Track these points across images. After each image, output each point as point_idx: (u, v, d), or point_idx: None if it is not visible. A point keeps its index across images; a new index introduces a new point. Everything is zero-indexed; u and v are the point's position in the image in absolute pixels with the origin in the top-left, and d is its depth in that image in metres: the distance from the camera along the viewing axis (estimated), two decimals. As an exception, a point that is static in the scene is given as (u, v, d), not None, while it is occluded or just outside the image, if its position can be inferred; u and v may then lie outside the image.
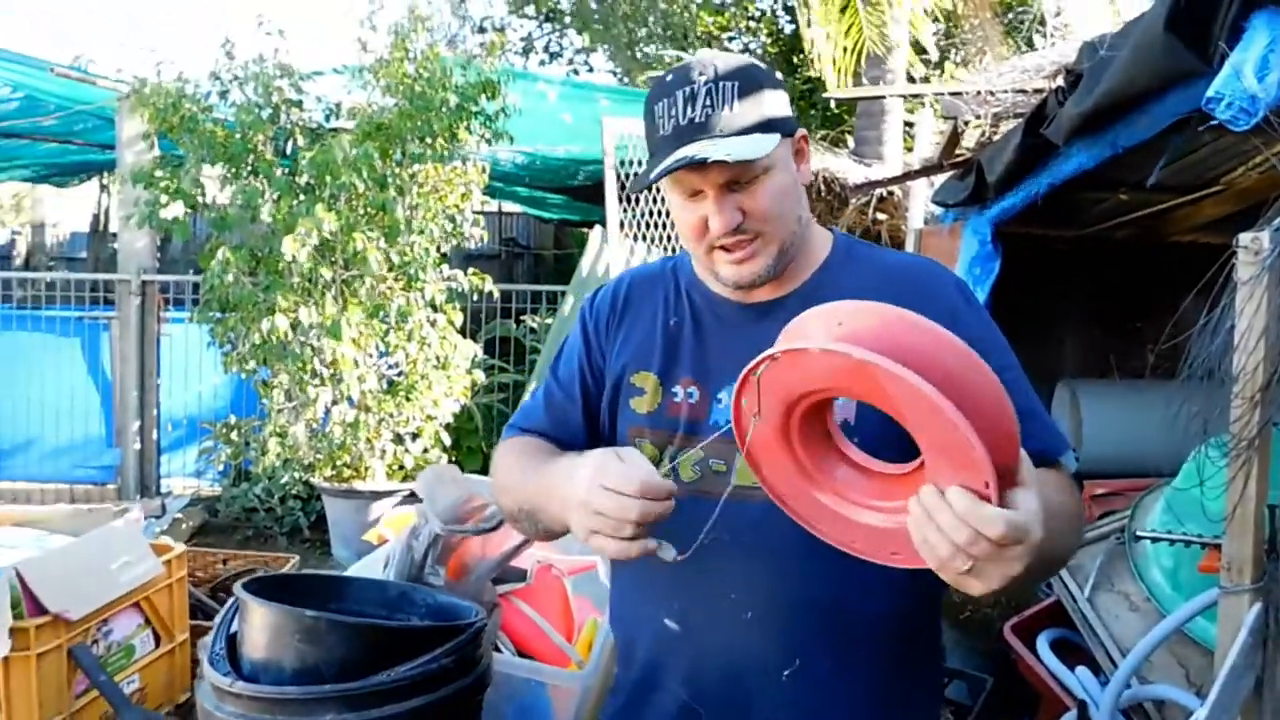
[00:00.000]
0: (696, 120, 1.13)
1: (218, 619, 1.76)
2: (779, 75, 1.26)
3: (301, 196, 4.37)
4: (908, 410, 0.80)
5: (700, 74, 1.15)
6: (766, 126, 1.15)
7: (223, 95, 4.69)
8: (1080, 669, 2.37)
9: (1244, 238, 1.69)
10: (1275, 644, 1.69)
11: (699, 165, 1.11)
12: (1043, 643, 2.52)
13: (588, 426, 1.32)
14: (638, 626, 1.28)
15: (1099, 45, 2.27)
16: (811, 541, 1.18)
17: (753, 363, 0.90)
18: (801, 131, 1.25)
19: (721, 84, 1.14)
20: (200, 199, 4.58)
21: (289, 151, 4.74)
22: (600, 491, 1.00)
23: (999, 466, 0.79)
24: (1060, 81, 2.66)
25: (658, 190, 1.25)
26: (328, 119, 4.93)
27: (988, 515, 0.80)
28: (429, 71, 4.49)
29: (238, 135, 4.48)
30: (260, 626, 1.52)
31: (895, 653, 1.21)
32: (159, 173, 4.53)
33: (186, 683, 2.69)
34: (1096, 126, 2.30)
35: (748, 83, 1.16)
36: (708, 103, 1.13)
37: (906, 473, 0.89)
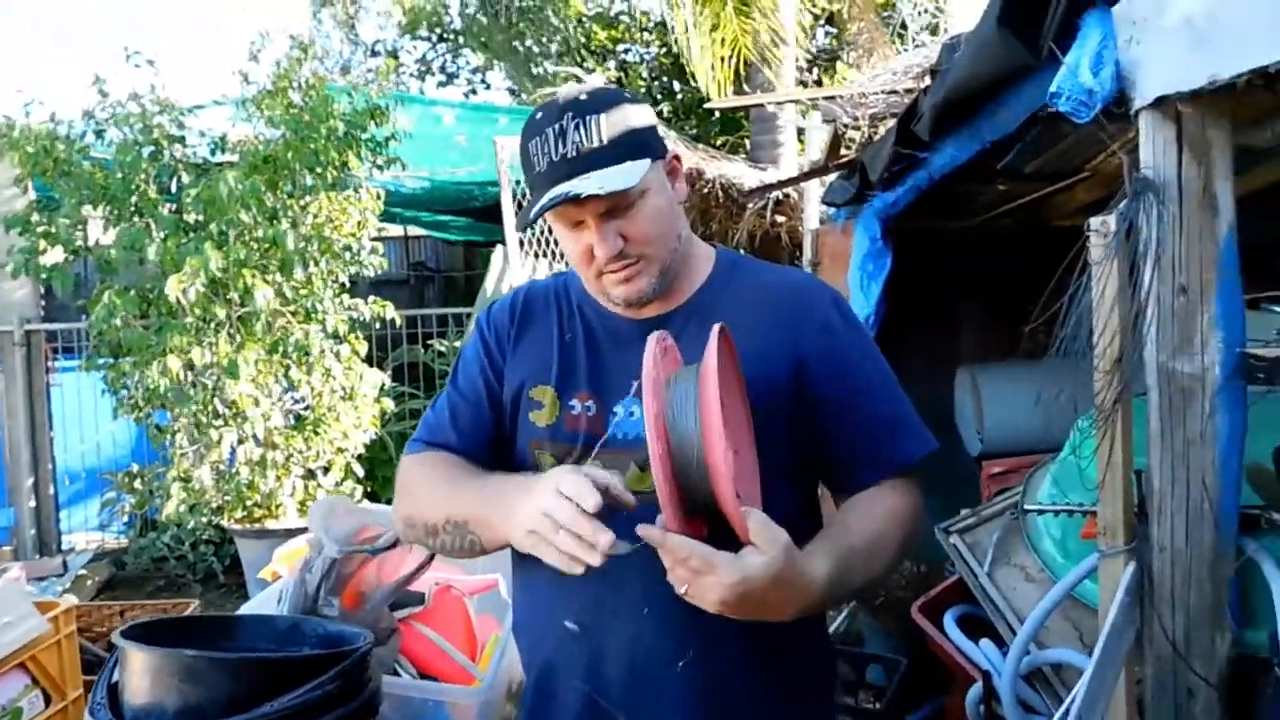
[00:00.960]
0: (568, 155, 1.17)
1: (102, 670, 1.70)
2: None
3: (189, 235, 4.25)
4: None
5: (566, 109, 1.18)
6: (636, 152, 1.19)
7: (99, 135, 4.54)
8: (984, 642, 2.43)
9: (1094, 221, 1.78)
10: (1150, 599, 1.78)
11: (575, 199, 1.15)
12: (949, 620, 2.58)
13: (496, 430, 1.33)
14: (539, 633, 1.31)
15: (956, 45, 2.37)
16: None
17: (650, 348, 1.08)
18: (673, 152, 1.29)
19: (588, 118, 1.17)
20: (82, 243, 4.43)
21: (174, 189, 4.61)
22: (553, 495, 1.05)
23: (694, 513, 1.03)
24: (928, 81, 2.76)
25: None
26: (213, 153, 4.80)
27: (669, 541, 1.01)
28: (313, 100, 4.42)
29: (118, 175, 4.33)
30: (140, 671, 1.47)
31: (783, 642, 1.25)
32: (35, 217, 4.36)
33: (85, 742, 2.59)
34: (956, 121, 2.40)
35: (614, 113, 1.19)
36: (576, 138, 1.17)
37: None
